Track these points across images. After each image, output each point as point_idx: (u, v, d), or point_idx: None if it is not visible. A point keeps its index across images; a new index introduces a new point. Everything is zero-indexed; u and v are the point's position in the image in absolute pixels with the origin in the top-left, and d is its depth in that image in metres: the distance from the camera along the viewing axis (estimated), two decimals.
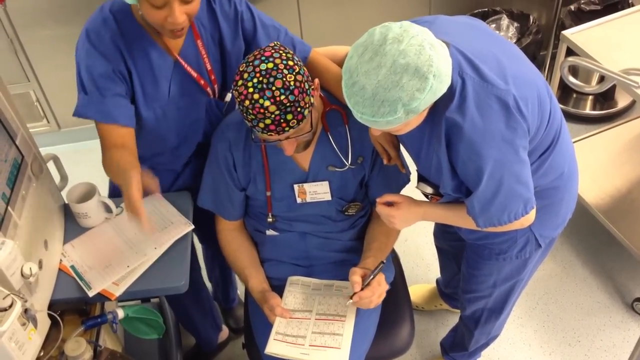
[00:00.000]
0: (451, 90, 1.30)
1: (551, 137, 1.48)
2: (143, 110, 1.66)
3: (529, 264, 1.76)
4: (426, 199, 1.62)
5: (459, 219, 1.56)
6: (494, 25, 3.25)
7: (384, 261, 1.67)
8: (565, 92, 3.39)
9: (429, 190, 1.56)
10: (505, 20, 3.24)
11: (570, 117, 3.29)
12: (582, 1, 3.19)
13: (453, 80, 1.30)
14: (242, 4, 1.64)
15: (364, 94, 1.24)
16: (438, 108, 1.33)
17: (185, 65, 1.64)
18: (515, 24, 3.25)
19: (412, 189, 1.71)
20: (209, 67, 1.68)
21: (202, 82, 1.68)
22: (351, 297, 1.62)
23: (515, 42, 3.21)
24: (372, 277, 1.63)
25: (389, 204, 1.57)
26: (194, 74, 1.66)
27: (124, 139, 1.62)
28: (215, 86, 1.72)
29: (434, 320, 2.54)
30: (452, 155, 1.38)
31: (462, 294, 1.97)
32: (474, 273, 1.83)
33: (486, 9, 3.31)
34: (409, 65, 1.20)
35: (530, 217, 1.49)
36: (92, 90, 1.58)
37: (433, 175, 1.50)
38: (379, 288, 1.64)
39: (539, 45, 3.28)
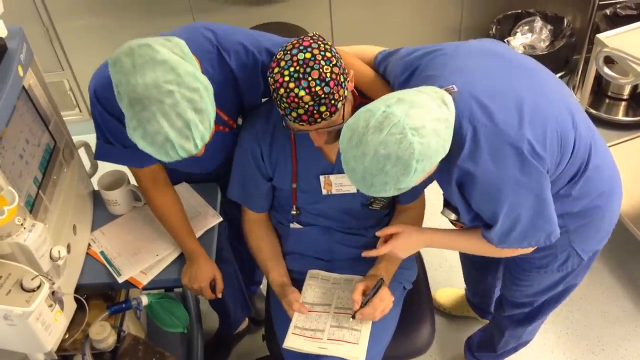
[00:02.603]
0: (461, 138, 1.30)
1: (577, 166, 1.44)
2: None
3: (572, 275, 1.72)
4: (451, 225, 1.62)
5: (469, 246, 1.58)
6: (527, 28, 3.21)
7: (383, 278, 1.68)
8: (597, 98, 3.34)
9: (453, 217, 1.55)
10: (538, 23, 3.20)
11: (603, 122, 3.24)
12: (618, 5, 3.14)
13: (463, 128, 1.29)
14: (262, 53, 1.59)
15: (355, 175, 1.29)
16: (448, 155, 1.32)
17: None
18: (549, 27, 3.21)
19: (434, 215, 1.71)
20: (225, 118, 1.66)
21: (220, 128, 1.67)
22: (353, 316, 1.64)
23: (548, 45, 3.17)
24: (372, 294, 1.64)
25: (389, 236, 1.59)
26: (216, 128, 1.61)
27: (153, 173, 1.70)
28: (233, 124, 1.71)
29: (456, 323, 2.52)
30: (467, 197, 1.39)
31: (503, 296, 1.95)
32: (515, 282, 1.81)
33: (520, 11, 3.28)
34: (390, 155, 1.22)
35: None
36: (112, 141, 1.61)
37: (455, 201, 1.49)
38: (381, 304, 1.64)
39: (573, 49, 3.23)
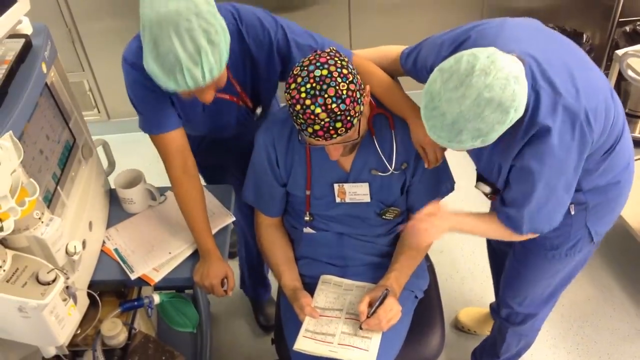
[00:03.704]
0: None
1: (614, 138, 1.48)
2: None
3: (574, 262, 1.74)
4: (485, 197, 1.63)
5: (490, 228, 1.57)
6: None
7: (388, 289, 1.67)
8: None
9: (487, 190, 1.56)
10: None
11: None
12: (638, 23, 3.13)
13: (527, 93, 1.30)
14: (278, 33, 1.64)
15: (444, 120, 1.27)
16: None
17: (217, 94, 1.67)
18: None
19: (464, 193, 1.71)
20: (239, 89, 1.72)
21: (234, 99, 1.74)
22: (360, 327, 1.64)
23: None
24: (377, 304, 1.64)
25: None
26: (226, 97, 1.72)
27: (183, 156, 1.72)
28: (247, 99, 1.77)
29: (465, 334, 2.52)
30: (518, 157, 1.38)
31: (502, 291, 1.95)
32: (519, 268, 1.82)
33: None
34: (493, 99, 1.22)
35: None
36: (143, 110, 1.66)
37: (494, 176, 1.50)
38: (386, 315, 1.63)
39: None
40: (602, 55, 3.19)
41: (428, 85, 1.30)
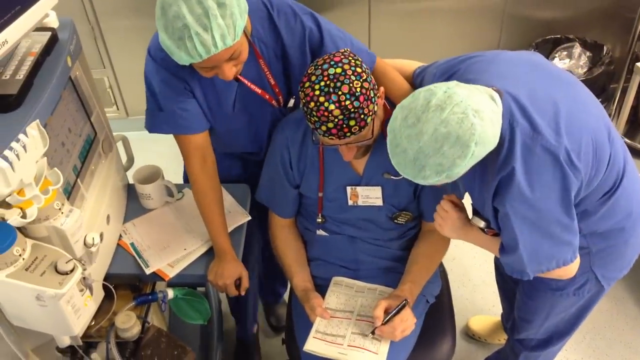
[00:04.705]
0: (500, 138, 1.29)
1: (613, 180, 1.44)
2: (210, 121, 1.74)
3: (585, 299, 1.69)
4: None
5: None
6: (565, 53, 3.20)
7: (407, 300, 1.67)
8: (632, 128, 3.29)
9: (482, 224, 1.54)
10: (577, 49, 3.19)
11: (638, 153, 3.19)
12: None
13: (502, 128, 1.28)
14: (308, 20, 1.64)
15: (406, 156, 1.27)
16: (488, 157, 1.31)
17: (248, 84, 1.68)
18: (588, 53, 3.20)
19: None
20: (272, 82, 1.71)
21: (266, 96, 1.72)
22: (372, 332, 1.64)
23: (586, 72, 3.15)
24: (394, 313, 1.63)
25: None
26: (258, 90, 1.70)
27: (202, 152, 1.72)
28: (280, 97, 1.75)
29: (476, 343, 2.51)
30: (499, 201, 1.36)
31: (517, 318, 1.93)
32: (528, 302, 1.79)
33: (559, 36, 3.27)
34: (450, 134, 1.21)
35: (573, 268, 1.45)
36: (161, 104, 1.66)
37: (486, 211, 1.49)
38: (402, 324, 1.63)
39: (610, 77, 3.21)
40: (622, 68, 3.16)
41: (390, 122, 1.31)
